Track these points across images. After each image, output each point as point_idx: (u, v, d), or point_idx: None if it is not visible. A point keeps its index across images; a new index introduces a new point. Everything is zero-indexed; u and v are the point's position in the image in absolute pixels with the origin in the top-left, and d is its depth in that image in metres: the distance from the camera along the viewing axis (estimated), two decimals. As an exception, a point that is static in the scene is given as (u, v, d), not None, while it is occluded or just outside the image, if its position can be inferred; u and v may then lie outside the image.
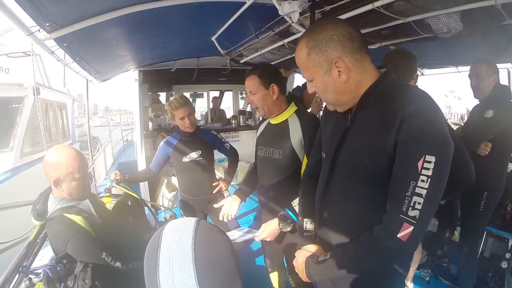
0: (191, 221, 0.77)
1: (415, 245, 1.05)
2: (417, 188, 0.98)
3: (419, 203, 0.99)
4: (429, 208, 1.00)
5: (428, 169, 0.97)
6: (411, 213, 0.99)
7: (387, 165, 1.07)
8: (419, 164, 0.98)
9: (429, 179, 0.97)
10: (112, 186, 2.75)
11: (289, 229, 1.90)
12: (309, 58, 1.16)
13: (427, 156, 0.97)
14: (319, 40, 1.12)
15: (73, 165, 1.67)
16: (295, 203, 1.86)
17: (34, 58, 5.99)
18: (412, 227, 1.00)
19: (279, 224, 1.90)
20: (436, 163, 0.97)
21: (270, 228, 1.96)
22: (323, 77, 1.16)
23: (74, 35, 2.40)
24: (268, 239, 1.97)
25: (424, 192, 0.98)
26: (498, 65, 2.61)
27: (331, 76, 1.14)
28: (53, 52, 2.71)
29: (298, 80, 6.82)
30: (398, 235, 1.01)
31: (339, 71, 1.12)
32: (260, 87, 2.02)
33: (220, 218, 2.31)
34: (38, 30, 2.18)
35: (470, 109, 2.98)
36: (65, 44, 2.61)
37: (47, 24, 2.14)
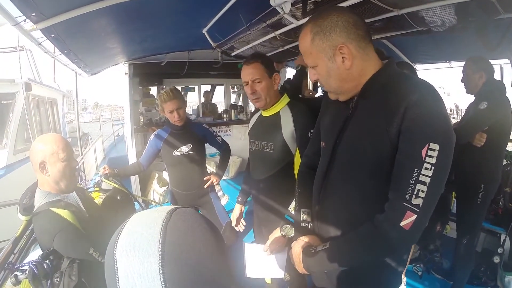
0: (165, 209, 0.62)
1: (418, 234, 1.03)
2: (420, 176, 0.98)
3: (422, 191, 0.98)
4: (433, 196, 0.99)
5: (432, 157, 0.96)
6: (415, 201, 0.99)
7: (390, 153, 1.06)
8: (423, 151, 0.97)
9: (433, 167, 0.97)
10: (102, 181, 2.70)
11: (292, 234, 1.65)
12: (313, 44, 1.14)
13: (431, 144, 0.97)
14: (324, 26, 1.11)
15: (57, 145, 1.65)
16: (292, 208, 1.61)
17: (23, 53, 5.89)
18: (415, 216, 0.99)
19: (281, 232, 1.65)
20: (440, 151, 0.96)
21: (274, 237, 1.69)
22: (327, 63, 1.15)
23: (61, 26, 2.33)
24: (273, 248, 1.73)
25: (428, 180, 0.97)
26: (492, 61, 2.63)
27: (335, 62, 1.13)
28: (40, 44, 2.64)
29: (290, 74, 6.80)
30: (401, 224, 1.00)
31: (343, 57, 1.11)
32: (265, 75, 1.95)
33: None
34: (24, 21, 2.10)
35: (459, 104, 3.05)
36: (52, 36, 2.55)
37: (34, 14, 2.07)
